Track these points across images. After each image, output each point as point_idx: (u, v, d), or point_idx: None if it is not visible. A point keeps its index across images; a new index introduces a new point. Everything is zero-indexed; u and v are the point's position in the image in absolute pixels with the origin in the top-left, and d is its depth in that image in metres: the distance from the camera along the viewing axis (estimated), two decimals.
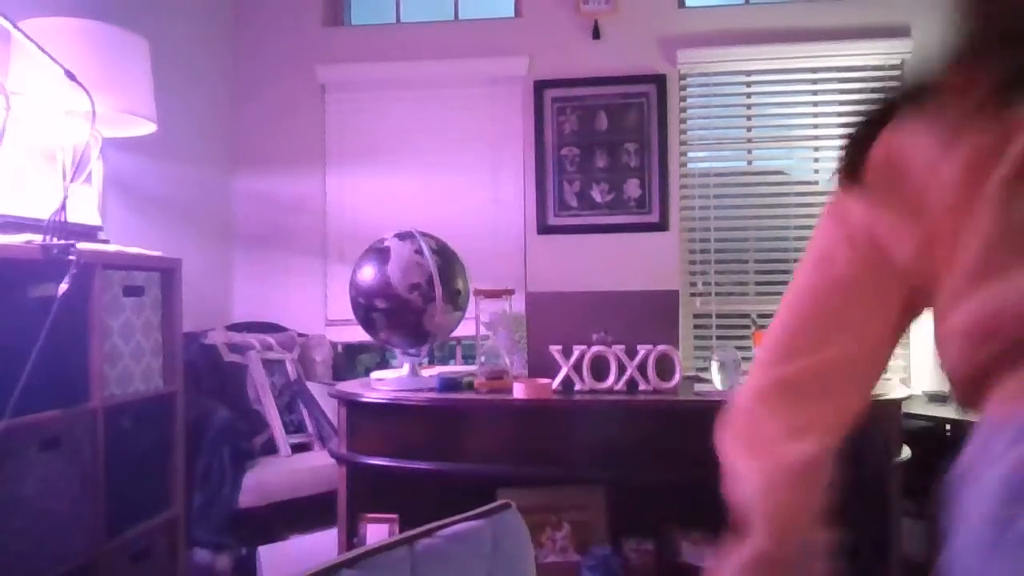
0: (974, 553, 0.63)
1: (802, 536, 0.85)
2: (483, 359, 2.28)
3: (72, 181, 2.10)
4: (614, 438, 2.03)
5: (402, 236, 2.22)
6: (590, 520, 2.38)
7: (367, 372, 2.70)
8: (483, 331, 2.30)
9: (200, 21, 3.63)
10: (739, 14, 3.60)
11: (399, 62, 3.75)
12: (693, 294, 3.61)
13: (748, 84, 3.61)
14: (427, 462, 2.06)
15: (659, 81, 3.60)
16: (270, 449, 2.94)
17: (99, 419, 2.01)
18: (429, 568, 0.79)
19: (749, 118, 3.65)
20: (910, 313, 0.81)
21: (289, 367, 3.23)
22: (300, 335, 3.48)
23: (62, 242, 1.89)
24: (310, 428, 3.11)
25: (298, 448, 3.01)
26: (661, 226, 3.59)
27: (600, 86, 3.63)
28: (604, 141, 3.64)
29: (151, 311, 2.28)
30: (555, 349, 2.12)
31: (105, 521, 2.02)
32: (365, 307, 2.18)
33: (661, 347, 2.11)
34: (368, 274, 2.18)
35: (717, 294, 3.61)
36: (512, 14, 3.80)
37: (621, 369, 2.10)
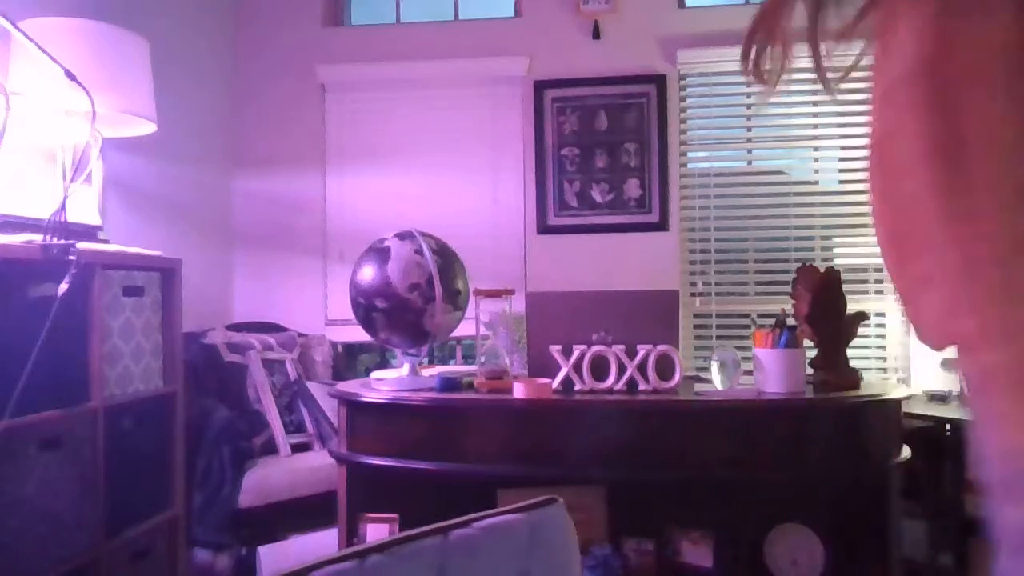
0: None
1: None
2: (483, 359, 2.28)
3: (72, 181, 2.10)
4: (614, 438, 2.03)
5: (402, 236, 2.22)
6: (590, 520, 2.38)
7: (367, 372, 2.70)
8: (483, 331, 2.30)
9: (200, 21, 3.63)
10: (739, 14, 3.60)
11: (399, 62, 3.75)
12: (693, 294, 3.61)
13: (748, 84, 3.60)
14: (427, 462, 2.06)
15: (659, 81, 3.60)
16: (270, 449, 2.94)
17: (99, 419, 2.01)
18: (460, 558, 0.79)
19: (749, 118, 3.65)
20: None
21: (289, 367, 3.23)
22: (300, 335, 3.48)
23: (62, 242, 1.89)
24: (310, 428, 3.11)
25: (298, 448, 3.01)
26: (661, 226, 3.59)
27: (600, 86, 3.63)
28: (604, 141, 3.64)
29: (151, 311, 2.28)
30: (555, 349, 2.12)
31: (105, 521, 2.02)
32: (365, 307, 2.18)
33: (661, 347, 2.11)
34: (368, 274, 2.18)
35: (717, 294, 3.61)
36: (512, 14, 3.80)
37: (621, 369, 2.10)
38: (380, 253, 2.20)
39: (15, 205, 2.18)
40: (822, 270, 2.25)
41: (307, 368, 3.38)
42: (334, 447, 2.29)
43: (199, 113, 3.57)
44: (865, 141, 0.75)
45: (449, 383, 2.16)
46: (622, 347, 2.10)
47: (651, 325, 2.17)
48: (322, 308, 3.78)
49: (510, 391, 2.09)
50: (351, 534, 2.21)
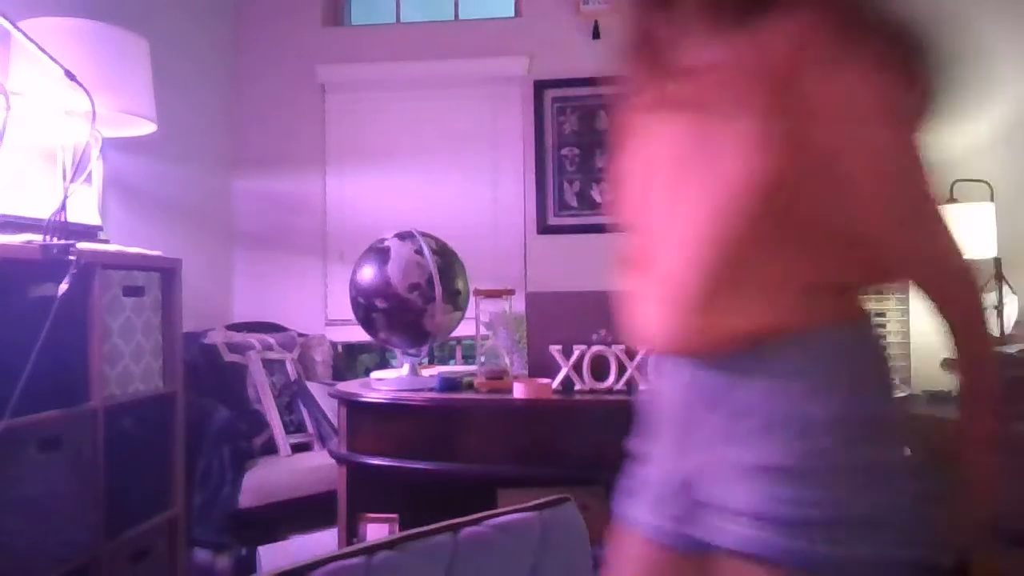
0: None
1: None
2: (483, 359, 2.28)
3: (72, 181, 2.10)
4: (614, 438, 2.03)
5: (402, 236, 2.22)
6: (590, 520, 2.38)
7: (367, 372, 2.70)
8: (483, 331, 2.30)
9: (200, 21, 3.63)
10: None
11: (399, 62, 3.75)
12: None
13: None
14: (427, 462, 2.06)
15: None
16: (270, 449, 2.94)
17: (99, 419, 2.01)
18: (470, 555, 0.79)
19: None
20: None
21: (289, 367, 3.23)
22: (300, 335, 3.48)
23: (62, 242, 1.89)
24: (310, 428, 3.10)
25: (298, 448, 3.00)
26: None
27: (600, 86, 3.63)
28: (604, 141, 3.64)
29: (151, 311, 2.28)
30: (555, 349, 2.12)
31: (105, 521, 2.02)
32: (365, 307, 2.18)
33: None
34: (368, 274, 2.18)
35: None
36: (512, 14, 3.80)
37: (621, 369, 2.10)
38: (380, 253, 2.19)
39: (15, 205, 2.18)
40: None
41: (307, 368, 3.38)
42: (334, 447, 2.29)
43: (199, 113, 3.57)
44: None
45: (449, 383, 2.16)
46: (622, 347, 2.10)
47: None
48: (322, 308, 3.78)
49: (510, 391, 2.09)
50: (351, 534, 2.21)
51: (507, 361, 2.29)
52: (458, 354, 3.75)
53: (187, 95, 3.41)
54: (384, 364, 3.83)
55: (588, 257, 3.65)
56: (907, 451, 0.90)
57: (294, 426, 3.09)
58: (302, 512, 2.74)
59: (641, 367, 2.09)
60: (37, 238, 1.91)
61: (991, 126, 3.35)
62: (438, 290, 2.15)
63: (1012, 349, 2.66)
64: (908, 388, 2.75)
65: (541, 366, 2.15)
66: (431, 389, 2.17)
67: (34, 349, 1.69)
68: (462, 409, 2.11)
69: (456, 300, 2.22)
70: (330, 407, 3.03)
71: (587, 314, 2.19)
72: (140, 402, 2.21)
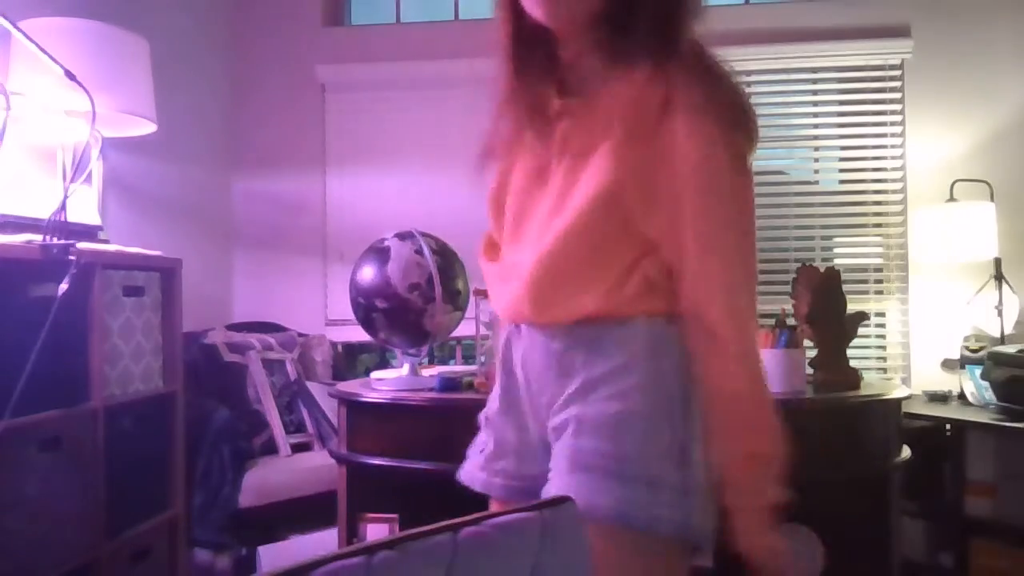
0: None
1: None
2: (483, 359, 2.28)
3: (72, 181, 2.10)
4: None
5: (402, 236, 2.22)
6: None
7: (367, 372, 2.70)
8: (483, 331, 2.30)
9: (200, 21, 3.63)
10: (739, 14, 3.59)
11: (399, 62, 3.74)
12: None
13: (748, 84, 3.60)
14: (427, 462, 2.06)
15: None
16: (270, 449, 2.94)
17: (99, 419, 2.01)
18: (471, 555, 0.79)
19: None
20: None
21: (289, 367, 3.23)
22: (300, 335, 3.48)
23: (62, 242, 1.89)
24: (310, 428, 3.11)
25: (298, 448, 3.00)
26: None
27: None
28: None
29: (151, 311, 2.28)
30: None
31: (105, 521, 2.02)
32: (365, 307, 2.18)
33: None
34: (368, 274, 2.18)
35: None
36: None
37: None
38: (380, 253, 2.19)
39: (15, 205, 2.18)
40: (822, 270, 2.25)
41: (307, 368, 3.38)
42: (334, 447, 2.29)
43: (199, 113, 3.57)
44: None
45: (449, 383, 2.16)
46: None
47: None
48: (322, 308, 3.78)
49: None
50: (351, 534, 2.21)
51: None
52: (458, 354, 3.74)
53: (187, 95, 3.41)
54: (384, 364, 3.83)
55: None
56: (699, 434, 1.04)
57: (294, 426, 3.09)
58: (302, 512, 2.74)
59: None
60: (37, 238, 1.91)
61: (991, 126, 3.35)
62: (438, 290, 2.15)
63: (1012, 349, 2.66)
64: (908, 388, 2.75)
65: None
66: (431, 389, 2.17)
67: (34, 349, 1.69)
68: (462, 409, 2.10)
69: (456, 300, 2.22)
70: (330, 407, 3.03)
71: None
72: (140, 402, 2.21)
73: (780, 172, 3.68)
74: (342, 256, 3.71)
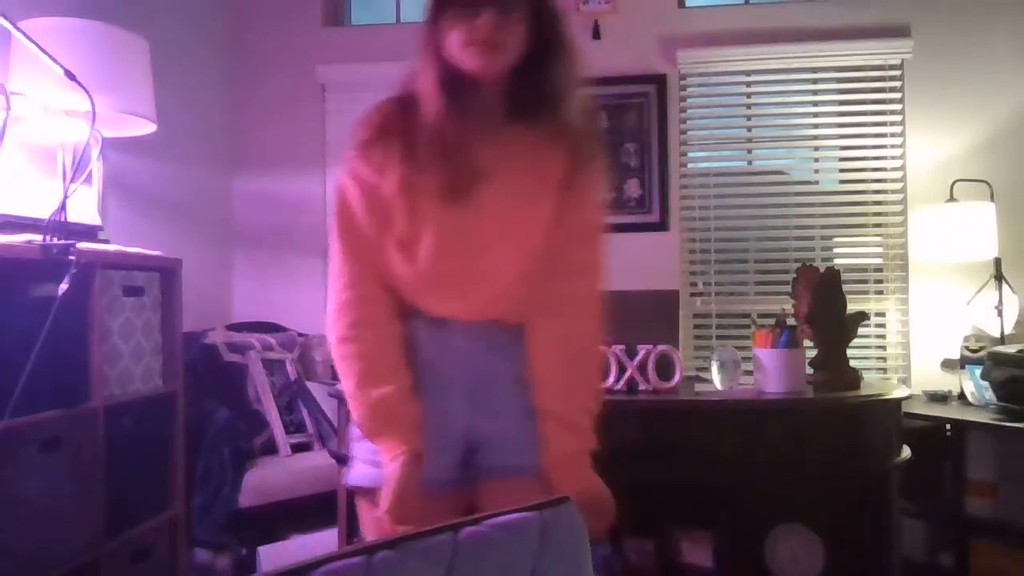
0: None
1: None
2: None
3: (72, 181, 2.10)
4: (614, 438, 2.03)
5: None
6: None
7: None
8: None
9: (200, 21, 3.63)
10: (739, 14, 3.60)
11: (399, 62, 3.73)
12: (693, 294, 3.61)
13: (748, 84, 3.60)
14: None
15: (659, 81, 3.59)
16: (270, 449, 2.94)
17: (99, 419, 2.01)
18: (471, 555, 0.79)
19: (749, 118, 3.65)
20: None
21: (289, 367, 3.23)
22: (300, 335, 3.48)
23: (62, 242, 1.89)
24: (310, 428, 3.10)
25: (298, 448, 3.00)
26: (661, 226, 3.59)
27: (600, 86, 3.63)
28: (604, 141, 3.64)
29: (151, 311, 2.28)
30: None
31: (105, 521, 2.02)
32: None
33: (661, 347, 2.11)
34: None
35: (717, 294, 3.61)
36: None
37: (621, 369, 2.10)
38: None
39: (15, 205, 2.18)
40: (822, 270, 2.26)
41: (307, 368, 3.38)
42: (334, 447, 2.29)
43: (199, 113, 3.57)
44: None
45: None
46: (622, 347, 2.10)
47: (651, 325, 2.18)
48: (322, 308, 3.76)
49: None
50: (351, 534, 2.21)
51: None
52: None
53: (187, 95, 3.41)
54: None
55: None
56: None
57: (294, 426, 3.09)
58: (302, 512, 2.74)
59: (642, 367, 2.09)
60: (37, 238, 1.91)
61: (991, 126, 3.35)
62: None
63: (1012, 349, 2.66)
64: (908, 388, 2.75)
65: None
66: None
67: (34, 349, 1.69)
68: None
69: None
70: (330, 407, 3.03)
71: None
72: (140, 402, 2.21)
73: (780, 172, 3.68)
74: None
